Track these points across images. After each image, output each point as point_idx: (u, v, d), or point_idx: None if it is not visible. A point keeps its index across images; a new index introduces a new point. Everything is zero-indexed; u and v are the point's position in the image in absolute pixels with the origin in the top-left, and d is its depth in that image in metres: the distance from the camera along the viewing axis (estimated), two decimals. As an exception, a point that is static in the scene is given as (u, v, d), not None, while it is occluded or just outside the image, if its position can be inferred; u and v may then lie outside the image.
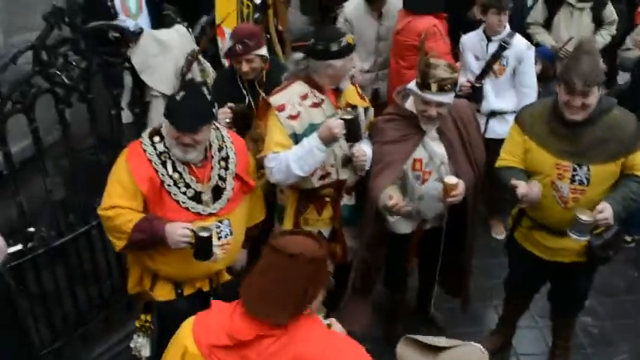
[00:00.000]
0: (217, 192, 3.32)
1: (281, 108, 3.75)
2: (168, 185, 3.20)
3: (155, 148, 3.21)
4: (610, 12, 6.28)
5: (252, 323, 2.25)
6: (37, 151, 3.77)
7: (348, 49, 3.71)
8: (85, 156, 4.42)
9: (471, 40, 5.31)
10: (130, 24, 4.99)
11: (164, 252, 3.23)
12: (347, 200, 4.04)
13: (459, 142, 3.96)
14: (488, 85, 5.19)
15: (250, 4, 5.01)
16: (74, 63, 3.75)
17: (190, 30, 4.49)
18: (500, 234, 5.49)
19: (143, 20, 5.14)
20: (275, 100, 3.78)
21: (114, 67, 3.99)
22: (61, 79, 3.68)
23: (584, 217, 3.51)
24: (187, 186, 3.23)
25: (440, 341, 2.69)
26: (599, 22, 6.32)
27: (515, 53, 5.14)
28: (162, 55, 4.17)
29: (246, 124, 4.03)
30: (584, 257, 3.80)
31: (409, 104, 3.90)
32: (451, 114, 3.91)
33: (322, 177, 3.87)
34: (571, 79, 3.42)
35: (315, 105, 3.79)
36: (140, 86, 4.18)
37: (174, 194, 3.21)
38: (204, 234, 3.13)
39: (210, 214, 3.28)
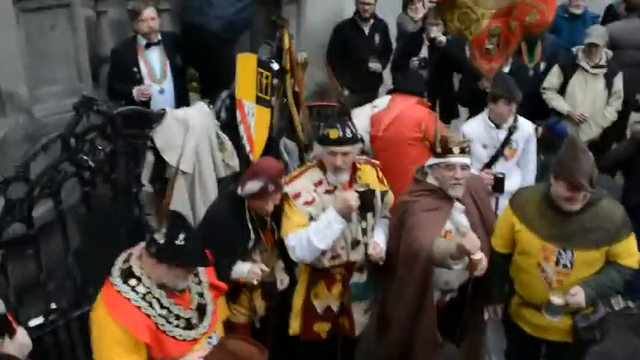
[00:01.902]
0: (201, 310, 3.24)
1: (297, 196, 3.97)
2: (162, 325, 3.05)
3: (137, 293, 3.02)
4: (618, 81, 6.42)
5: None
6: (62, 234, 3.96)
7: (342, 141, 3.87)
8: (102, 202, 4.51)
9: (477, 129, 5.34)
10: (155, 89, 5.23)
11: None
12: (357, 278, 4.21)
13: (478, 214, 4.16)
14: (499, 169, 5.23)
15: (269, 74, 5.16)
16: (100, 147, 3.95)
17: (211, 106, 4.65)
18: None
19: (167, 85, 5.36)
20: (290, 189, 3.98)
21: (138, 148, 4.16)
22: (87, 163, 3.87)
23: (556, 299, 3.72)
24: (177, 317, 3.10)
25: None
26: (611, 89, 6.48)
27: (524, 136, 5.29)
28: (184, 134, 4.32)
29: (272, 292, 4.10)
30: (570, 337, 3.95)
31: (430, 179, 4.08)
32: (468, 188, 4.08)
33: (333, 257, 4.06)
34: (577, 180, 3.58)
35: (328, 192, 3.99)
36: (161, 163, 4.34)
37: (170, 331, 3.07)
38: None
39: (203, 334, 3.21)
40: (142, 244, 3.09)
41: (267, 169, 3.88)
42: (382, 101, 5.72)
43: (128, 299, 2.98)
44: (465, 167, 3.96)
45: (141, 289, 3.02)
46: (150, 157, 4.28)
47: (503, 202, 5.13)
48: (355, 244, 4.08)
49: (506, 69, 6.30)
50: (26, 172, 3.66)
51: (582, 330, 3.90)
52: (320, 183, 4.02)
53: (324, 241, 3.88)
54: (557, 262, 3.78)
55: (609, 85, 6.47)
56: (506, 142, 5.28)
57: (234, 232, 3.85)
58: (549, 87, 6.52)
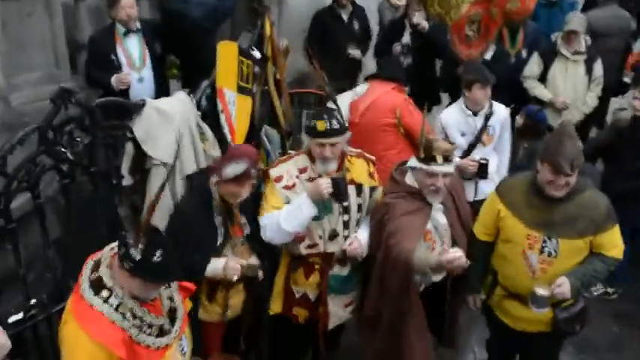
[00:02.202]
0: (172, 314, 3.15)
1: (278, 179, 4.02)
2: (137, 335, 2.93)
3: (110, 305, 2.87)
4: (598, 67, 6.47)
5: None
6: (41, 227, 3.89)
7: (330, 132, 3.88)
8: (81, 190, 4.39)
9: (454, 117, 5.37)
10: (134, 77, 5.16)
11: None
12: (338, 270, 4.21)
13: (454, 209, 4.17)
14: (477, 156, 5.32)
15: (250, 62, 5.11)
16: (79, 139, 3.88)
17: (192, 95, 4.60)
18: None
19: (146, 73, 5.30)
20: (274, 172, 4.03)
21: (117, 139, 4.10)
22: (66, 155, 3.78)
23: (540, 291, 3.75)
24: (150, 326, 2.99)
25: None
26: (591, 75, 6.51)
27: (499, 120, 5.34)
28: (164, 124, 4.26)
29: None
30: (549, 328, 3.99)
31: (409, 180, 4.07)
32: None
33: (310, 246, 4.09)
34: (558, 162, 3.61)
35: (311, 179, 3.99)
36: (141, 154, 4.29)
37: (144, 341, 2.95)
38: None
39: (174, 339, 3.12)
40: (110, 248, 2.97)
41: (249, 153, 3.95)
42: (362, 88, 5.72)
43: (101, 312, 2.85)
44: (446, 175, 3.95)
45: (113, 300, 2.87)
46: (129, 148, 4.22)
47: (484, 187, 5.25)
48: (333, 235, 4.09)
49: (488, 55, 6.33)
50: (3, 166, 3.59)
51: (562, 322, 3.94)
52: (305, 170, 4.04)
53: (292, 224, 3.90)
54: (541, 250, 3.81)
55: (589, 71, 6.51)
56: (484, 128, 5.30)
57: (205, 228, 3.84)
58: (529, 75, 6.53)
